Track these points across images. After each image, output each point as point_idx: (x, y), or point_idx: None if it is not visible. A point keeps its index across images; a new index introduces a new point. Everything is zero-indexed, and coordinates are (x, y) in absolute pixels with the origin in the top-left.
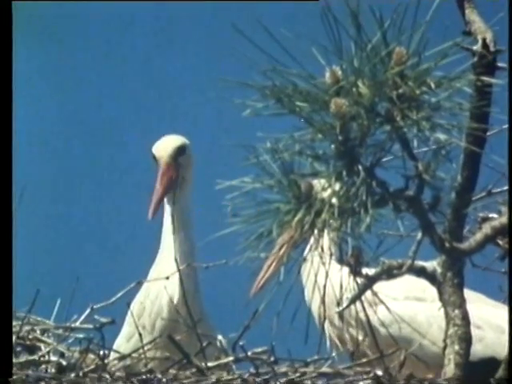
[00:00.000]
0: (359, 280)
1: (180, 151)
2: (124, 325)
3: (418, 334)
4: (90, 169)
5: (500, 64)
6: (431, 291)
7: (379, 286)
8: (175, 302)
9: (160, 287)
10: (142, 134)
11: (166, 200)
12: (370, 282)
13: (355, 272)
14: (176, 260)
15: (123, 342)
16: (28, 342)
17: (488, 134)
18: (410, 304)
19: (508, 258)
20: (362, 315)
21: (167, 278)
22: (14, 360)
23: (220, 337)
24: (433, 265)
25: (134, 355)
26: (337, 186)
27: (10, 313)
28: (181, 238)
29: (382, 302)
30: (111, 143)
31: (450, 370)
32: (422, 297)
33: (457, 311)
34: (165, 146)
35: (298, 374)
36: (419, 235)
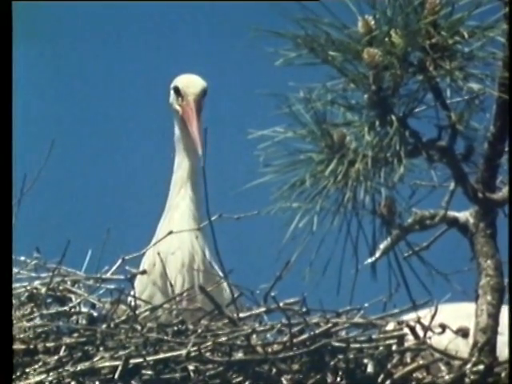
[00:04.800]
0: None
1: (205, 92)
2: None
3: None
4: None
5: None
6: None
7: None
8: (206, 253)
9: (176, 240)
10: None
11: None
12: (403, 232)
13: (388, 222)
14: (208, 211)
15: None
16: (59, 293)
17: None
18: None
19: (508, 263)
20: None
21: (198, 229)
22: (45, 311)
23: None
24: (465, 215)
25: (165, 306)
26: (370, 136)
27: (10, 315)
28: (191, 187)
29: None
30: (112, 142)
31: (482, 320)
32: None
33: (489, 261)
34: (194, 84)
35: (330, 325)
36: (452, 185)
